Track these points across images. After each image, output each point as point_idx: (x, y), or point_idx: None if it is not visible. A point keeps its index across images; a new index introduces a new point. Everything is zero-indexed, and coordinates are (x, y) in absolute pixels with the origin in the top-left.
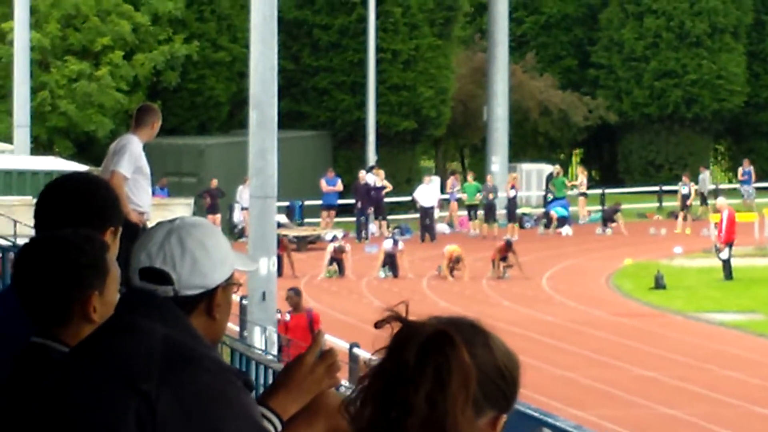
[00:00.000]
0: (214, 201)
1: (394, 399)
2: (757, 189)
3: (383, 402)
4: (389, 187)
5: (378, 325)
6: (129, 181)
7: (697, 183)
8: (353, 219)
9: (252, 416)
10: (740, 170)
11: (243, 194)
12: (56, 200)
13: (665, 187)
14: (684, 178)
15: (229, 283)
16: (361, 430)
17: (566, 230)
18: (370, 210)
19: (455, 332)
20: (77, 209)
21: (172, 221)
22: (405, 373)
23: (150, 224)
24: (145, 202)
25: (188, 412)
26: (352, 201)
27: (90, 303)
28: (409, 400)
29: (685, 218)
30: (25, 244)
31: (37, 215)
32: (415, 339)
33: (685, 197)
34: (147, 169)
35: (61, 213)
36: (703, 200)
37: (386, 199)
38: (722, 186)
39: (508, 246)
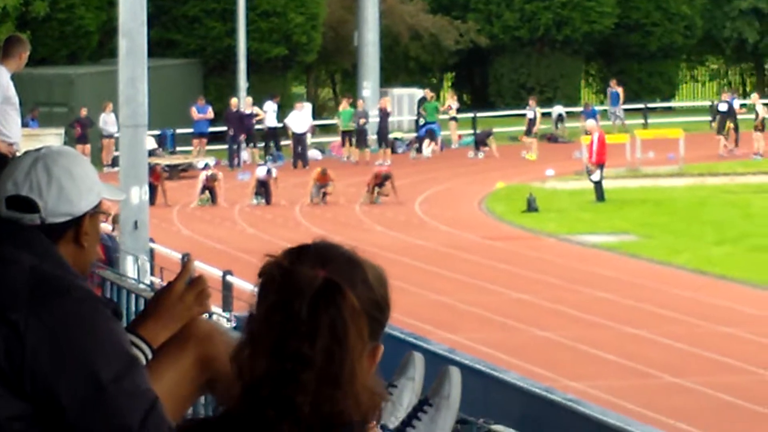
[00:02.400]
0: (84, 131)
1: (289, 352)
2: (627, 110)
3: (276, 354)
4: (261, 115)
5: (260, 275)
6: None
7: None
8: (225, 147)
9: (121, 344)
10: (608, 92)
11: (105, 122)
12: None
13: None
14: (531, 103)
15: (97, 212)
16: (252, 383)
17: (426, 152)
18: (243, 137)
19: (340, 277)
20: None
21: (38, 150)
22: (298, 326)
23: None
24: (15, 133)
25: (56, 341)
26: (224, 129)
27: None
28: (305, 354)
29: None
30: None
31: None
32: (303, 291)
33: (531, 122)
34: (15, 99)
35: None
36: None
37: (257, 126)
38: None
39: (386, 176)
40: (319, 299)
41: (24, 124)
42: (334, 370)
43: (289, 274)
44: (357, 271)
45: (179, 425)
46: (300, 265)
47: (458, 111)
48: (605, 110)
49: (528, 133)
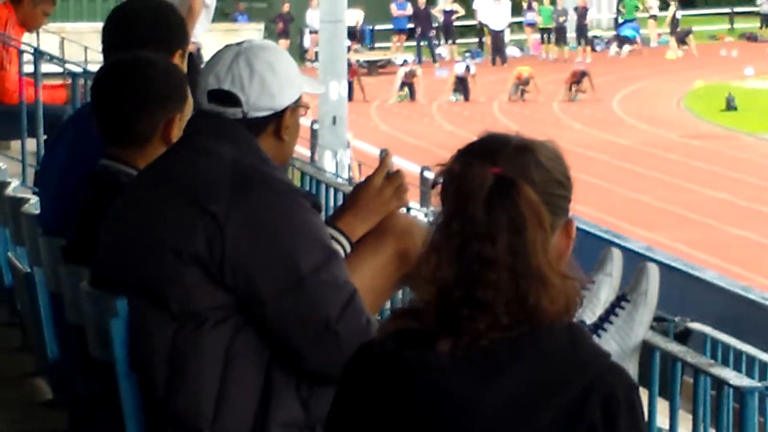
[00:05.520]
0: (285, 26)
1: (472, 255)
2: None
3: (460, 260)
4: (461, 11)
5: (433, 186)
6: None
7: None
8: (425, 43)
9: (320, 236)
10: None
11: (312, 18)
12: (123, 23)
13: (737, 9)
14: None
15: (298, 105)
16: (444, 287)
17: (624, 51)
18: (433, 33)
19: (510, 169)
20: (145, 31)
21: (239, 44)
22: (477, 229)
23: (205, 53)
24: (200, 32)
25: (257, 233)
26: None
27: (173, 125)
28: (489, 255)
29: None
30: (109, 63)
31: (105, 39)
32: (476, 193)
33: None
34: (214, 3)
35: (129, 36)
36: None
37: (456, 23)
38: None
39: (583, 74)
40: (493, 198)
41: (233, 19)
42: (521, 265)
43: (460, 178)
44: (527, 157)
45: (393, 311)
46: (469, 166)
47: (660, 9)
48: None
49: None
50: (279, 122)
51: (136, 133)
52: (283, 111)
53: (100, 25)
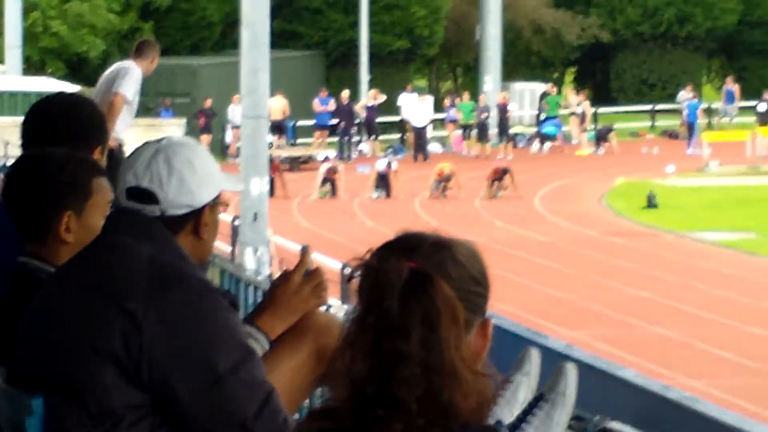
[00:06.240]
0: (207, 121)
1: (386, 350)
2: (745, 108)
3: (374, 355)
4: (382, 98)
5: (350, 279)
6: None
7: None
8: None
9: (238, 335)
10: (723, 89)
11: (234, 113)
12: (43, 119)
13: (658, 106)
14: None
15: (217, 203)
16: (357, 383)
17: (546, 147)
18: (354, 129)
19: (427, 265)
20: (63, 127)
21: (159, 141)
22: (392, 323)
23: (127, 149)
24: (121, 129)
25: (174, 332)
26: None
27: (62, 222)
28: (403, 350)
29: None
30: (16, 160)
31: (24, 134)
32: (392, 285)
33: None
34: (135, 99)
35: (48, 131)
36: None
37: (378, 119)
38: (714, 105)
39: (505, 171)
40: (408, 292)
41: (156, 114)
42: (435, 361)
43: (376, 272)
44: (444, 253)
45: (310, 411)
46: (386, 261)
47: (579, 105)
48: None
49: (582, 130)
50: (197, 220)
51: (38, 229)
52: (202, 209)
53: (20, 119)
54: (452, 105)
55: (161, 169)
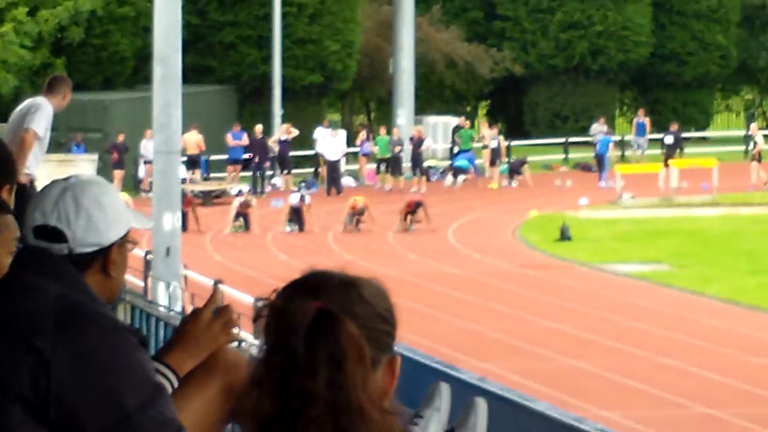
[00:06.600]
0: (120, 156)
1: (293, 390)
2: (654, 140)
3: (281, 394)
4: (295, 133)
5: (255, 319)
6: None
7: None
8: (260, 174)
9: (146, 373)
10: (634, 121)
11: (146, 148)
12: None
13: (571, 139)
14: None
15: (125, 241)
16: (264, 423)
17: (459, 181)
18: (267, 164)
19: (333, 304)
20: None
21: (66, 179)
22: (297, 363)
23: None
24: (33, 164)
25: (82, 370)
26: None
27: None
28: (310, 389)
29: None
30: None
31: None
32: (298, 325)
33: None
34: (46, 135)
35: None
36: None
37: (291, 153)
38: (627, 137)
39: (418, 204)
40: (314, 331)
41: (68, 150)
42: (341, 400)
43: (282, 312)
44: (351, 292)
45: None
46: (291, 301)
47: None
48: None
49: (492, 163)
50: (106, 258)
51: None
52: (110, 247)
53: None
54: (368, 139)
55: (69, 207)
